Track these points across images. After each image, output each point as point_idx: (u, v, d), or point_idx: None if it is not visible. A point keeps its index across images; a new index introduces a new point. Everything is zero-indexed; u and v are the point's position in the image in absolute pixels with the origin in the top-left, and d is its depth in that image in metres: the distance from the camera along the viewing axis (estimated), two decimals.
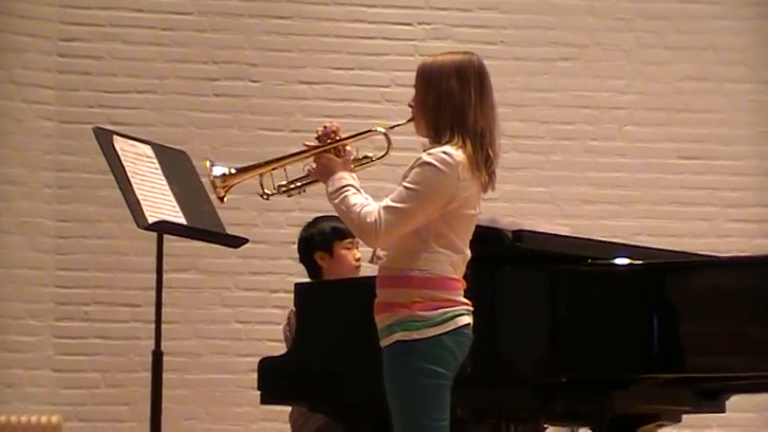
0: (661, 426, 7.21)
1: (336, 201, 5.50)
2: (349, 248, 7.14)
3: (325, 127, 5.66)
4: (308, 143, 5.65)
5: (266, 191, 5.76)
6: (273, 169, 5.79)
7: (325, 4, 9.81)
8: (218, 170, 5.80)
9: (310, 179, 5.73)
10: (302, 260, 7.43)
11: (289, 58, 9.71)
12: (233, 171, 5.80)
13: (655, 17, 10.08)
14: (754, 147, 10.01)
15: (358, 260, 7.05)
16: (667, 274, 6.60)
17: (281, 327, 7.22)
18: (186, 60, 9.66)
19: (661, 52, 10.03)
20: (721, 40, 10.11)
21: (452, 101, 5.48)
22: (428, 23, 9.49)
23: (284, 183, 5.77)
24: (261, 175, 5.80)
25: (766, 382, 6.92)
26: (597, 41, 10.00)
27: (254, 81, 9.67)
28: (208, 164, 5.85)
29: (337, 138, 5.65)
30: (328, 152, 5.65)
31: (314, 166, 5.67)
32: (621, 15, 10.04)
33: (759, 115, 10.08)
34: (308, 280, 7.31)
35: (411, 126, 5.54)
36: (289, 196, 5.87)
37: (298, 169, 5.66)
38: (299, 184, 5.77)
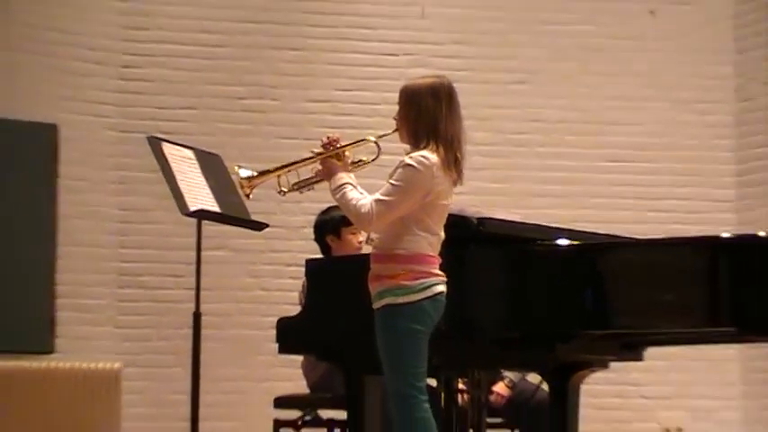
0: (593, 371, 7.17)
1: (338, 196, 5.59)
2: (354, 233, 7.25)
3: (327, 137, 5.72)
4: (314, 150, 5.70)
5: (282, 188, 5.84)
6: (288, 171, 5.85)
7: (329, 38, 9.83)
8: (245, 173, 5.88)
9: (317, 179, 5.80)
10: (316, 240, 7.49)
11: (300, 82, 9.73)
12: (255, 174, 5.87)
13: (588, 50, 10.04)
14: (666, 152, 10.03)
15: (360, 243, 7.12)
16: (597, 252, 6.60)
17: (295, 293, 7.17)
18: (220, 83, 9.68)
19: (594, 77, 10.02)
20: (640, 68, 10.10)
21: (428, 115, 5.54)
22: (411, 54, 9.52)
23: (296, 181, 5.85)
24: (278, 176, 5.86)
25: (674, 336, 6.89)
26: (544, 69, 9.99)
27: (273, 99, 9.69)
28: (237, 168, 5.95)
29: (338, 145, 5.69)
30: (331, 157, 5.70)
31: (320, 168, 5.73)
32: (563, 48, 9.99)
33: (669, 127, 10.09)
34: (316, 256, 7.29)
35: (396, 135, 5.58)
36: (300, 192, 5.93)
37: (307, 170, 5.74)
38: (308, 182, 5.84)
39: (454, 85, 5.59)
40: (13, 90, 8.98)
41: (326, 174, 5.66)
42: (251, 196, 5.95)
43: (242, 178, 5.90)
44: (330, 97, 9.59)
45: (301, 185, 5.85)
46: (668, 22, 10.15)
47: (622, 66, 10.06)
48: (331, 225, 7.27)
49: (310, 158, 5.74)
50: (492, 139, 9.40)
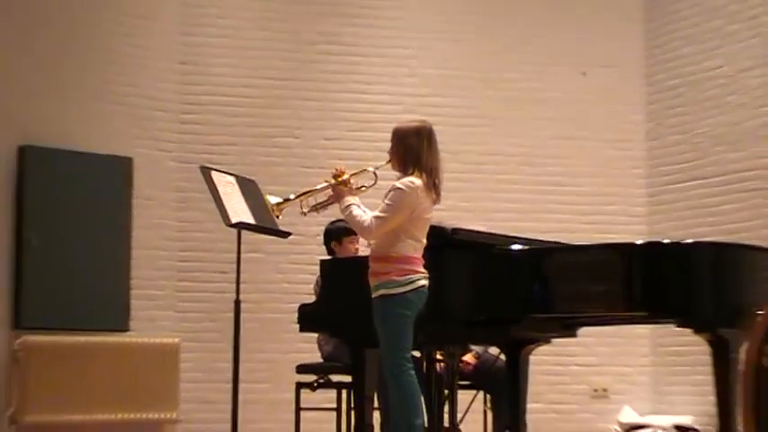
0: (539, 345, 7.14)
1: (346, 214, 5.69)
2: (351, 242, 7.28)
3: (336, 169, 5.78)
4: (327, 180, 5.75)
5: (304, 210, 5.90)
6: (307, 197, 5.89)
7: (340, 92, 9.83)
8: (274, 200, 5.95)
9: (330, 202, 5.86)
10: (325, 245, 7.46)
11: (317, 125, 9.73)
12: (282, 200, 5.92)
13: (535, 101, 10.08)
14: (594, 179, 10.06)
15: (356, 249, 7.11)
16: (541, 255, 6.60)
17: (311, 286, 7.14)
18: (255, 126, 9.66)
19: (539, 122, 10.06)
20: (575, 115, 10.13)
21: (413, 150, 5.61)
22: (401, 104, 9.54)
23: (314, 204, 5.89)
24: (300, 201, 5.91)
25: (600, 318, 6.87)
26: (502, 116, 10.03)
27: (296, 138, 9.69)
28: (268, 196, 6.04)
29: (345, 175, 5.72)
30: (339, 184, 5.74)
31: (331, 194, 5.78)
32: (516, 100, 10.02)
33: (596, 159, 10.09)
34: (327, 257, 7.28)
35: (389, 166, 5.66)
36: (317, 212, 5.97)
37: (322, 195, 5.83)
38: (323, 204, 5.90)
39: (434, 127, 5.68)
40: (100, 132, 8.96)
41: (337, 198, 5.72)
42: (279, 217, 6.03)
43: (272, 204, 5.96)
44: (340, 136, 9.58)
45: (318, 207, 5.90)
46: (596, 81, 10.17)
47: (561, 113, 10.08)
48: (334, 234, 7.30)
49: (324, 187, 5.80)
50: (462, 169, 9.38)
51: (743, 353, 3.82)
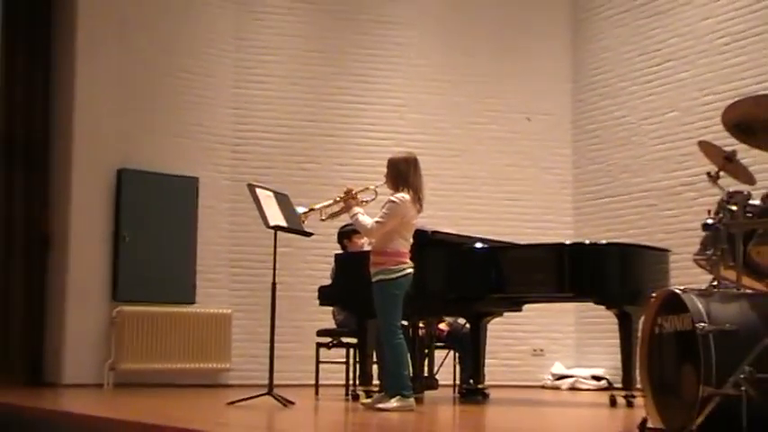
0: (495, 317, 7.16)
1: (353, 219, 5.75)
2: (359, 239, 7.18)
3: (347, 187, 5.87)
4: (340, 195, 5.82)
5: (322, 217, 5.99)
6: (326, 208, 5.94)
7: (350, 130, 9.79)
8: (301, 209, 6.05)
9: (342, 212, 5.91)
10: (338, 242, 7.43)
11: (334, 154, 9.71)
12: (306, 210, 6.03)
13: (495, 138, 10.06)
14: (536, 196, 10.01)
15: (362, 244, 7.03)
16: (498, 251, 6.62)
17: (328, 272, 7.13)
18: (288, 155, 9.61)
19: (497, 154, 10.04)
20: (523, 149, 10.11)
21: (402, 174, 5.68)
22: (393, 140, 9.46)
23: (331, 213, 5.95)
24: (321, 211, 5.97)
25: (539, 298, 6.89)
26: (469, 149, 10.02)
27: (317, 164, 9.65)
28: (297, 208, 6.14)
29: (353, 192, 5.78)
30: (349, 198, 5.82)
31: (343, 206, 5.80)
32: (480, 138, 10.02)
33: (537, 182, 10.05)
34: (339, 251, 7.25)
35: (385, 185, 5.69)
36: (332, 219, 6.04)
37: (336, 207, 5.85)
38: (337, 214, 5.94)
39: (418, 157, 5.69)
40: (175, 158, 8.97)
41: (347, 209, 5.74)
42: (305, 222, 6.06)
43: (300, 213, 6.04)
44: (349, 162, 9.53)
45: (333, 216, 5.96)
46: (537, 124, 10.14)
47: (512, 148, 10.06)
48: (346, 234, 7.29)
49: (338, 201, 5.84)
50: (440, 187, 9.33)
51: (641, 324, 3.82)
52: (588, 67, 10.07)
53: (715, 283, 3.63)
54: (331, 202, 5.90)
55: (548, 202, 10.02)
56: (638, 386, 4.03)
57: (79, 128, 8.55)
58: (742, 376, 3.19)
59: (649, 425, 3.62)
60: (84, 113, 8.58)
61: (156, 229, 8.72)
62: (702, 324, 3.30)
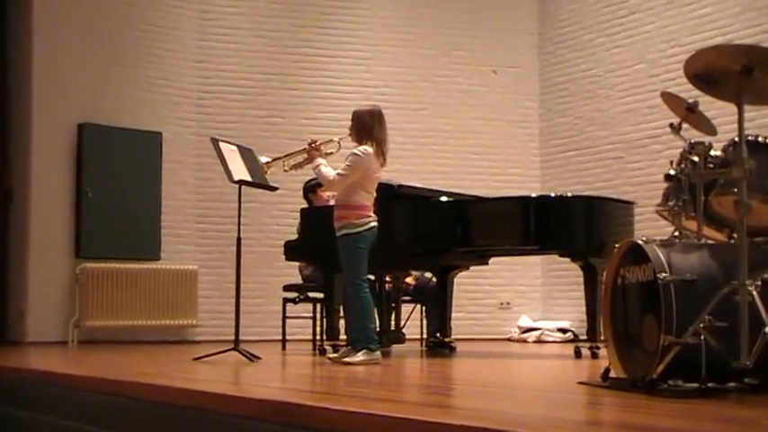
0: (461, 270, 7.21)
1: (316, 171, 5.73)
2: (324, 192, 7.14)
3: (311, 138, 5.84)
4: (304, 147, 5.80)
5: (285, 168, 5.97)
6: (288, 158, 5.95)
7: (315, 83, 9.74)
8: (264, 159, 6.03)
9: (305, 162, 5.86)
10: (304, 197, 7.40)
11: (299, 108, 9.66)
12: (270, 160, 6.00)
13: (461, 91, 10.07)
14: (502, 149, 10.05)
15: (328, 197, 7.01)
16: (464, 204, 6.65)
17: (294, 227, 7.12)
18: (253, 108, 9.57)
19: (463, 107, 10.06)
20: (489, 102, 10.14)
21: (367, 126, 5.65)
22: (360, 93, 9.41)
23: (294, 164, 5.92)
24: (283, 161, 5.96)
25: (505, 250, 6.93)
26: (435, 102, 10.04)
27: (282, 118, 9.61)
28: (260, 157, 6.08)
29: (317, 143, 5.76)
30: (313, 150, 5.79)
31: (306, 156, 5.79)
32: (446, 90, 9.99)
33: (503, 135, 10.08)
34: (305, 206, 7.24)
35: (349, 138, 5.65)
36: (296, 170, 5.99)
37: (299, 158, 5.78)
38: (300, 164, 5.90)
39: (384, 110, 5.67)
40: (139, 113, 8.89)
41: (310, 159, 5.72)
42: (268, 173, 6.03)
43: (262, 163, 5.99)
44: (315, 116, 9.49)
45: (296, 166, 5.92)
46: (504, 77, 10.16)
47: (479, 101, 10.07)
48: (311, 188, 7.26)
49: (302, 151, 5.82)
50: (406, 141, 9.38)
51: (604, 276, 3.86)
52: (555, 20, 10.06)
53: (677, 233, 3.67)
54: (294, 152, 5.89)
55: (515, 156, 10.06)
56: (603, 338, 4.08)
57: (39, 82, 8.43)
58: (702, 325, 3.24)
59: (612, 374, 3.68)
60: (43, 67, 8.46)
61: (120, 184, 8.66)
62: (664, 274, 3.34)
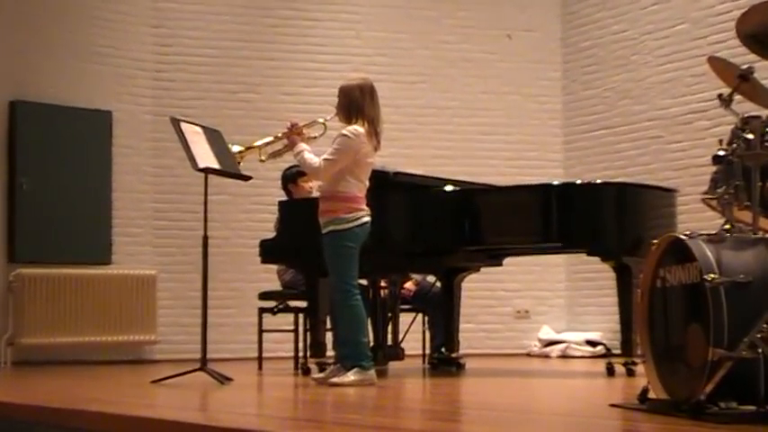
0: (470, 273, 7.23)
1: (298, 158, 5.72)
2: (305, 182, 7.21)
3: (290, 122, 5.79)
4: (284, 131, 5.77)
5: (261, 157, 5.97)
6: (266, 146, 5.95)
7: (296, 53, 9.74)
8: (236, 148, 6.04)
9: (285, 150, 5.86)
10: (283, 188, 7.43)
11: (276, 81, 9.66)
12: (243, 149, 6.02)
13: (467, 60, 10.04)
14: (518, 128, 10.06)
15: (311, 188, 7.03)
16: (472, 194, 6.70)
17: (272, 224, 7.12)
18: (221, 82, 9.56)
19: (470, 78, 10.07)
20: (501, 73, 10.14)
21: (356, 102, 5.65)
22: (348, 63, 9.40)
23: (272, 152, 5.93)
24: (259, 149, 5.96)
25: (522, 249, 6.96)
26: (437, 74, 10.06)
27: (257, 93, 9.61)
28: (231, 146, 6.09)
29: (298, 126, 5.73)
30: (294, 134, 5.75)
31: (286, 143, 5.78)
32: (450, 60, 10.01)
33: (519, 111, 10.10)
34: (284, 199, 7.27)
35: (337, 118, 5.66)
36: (274, 160, 6.04)
37: (279, 143, 5.81)
38: (279, 153, 5.94)
39: (377, 84, 5.69)
40: (83, 88, 8.87)
41: (291, 146, 5.72)
42: (241, 164, 6.07)
43: (235, 152, 6.00)
44: (295, 92, 9.49)
45: (275, 155, 5.94)
46: (519, 43, 10.16)
47: (489, 71, 10.08)
48: (291, 177, 7.28)
49: (280, 137, 5.81)
50: (402, 120, 9.40)
51: (641, 278, 3.85)
52: None
53: (727, 226, 3.66)
54: (272, 138, 5.89)
55: (532, 136, 10.05)
56: (639, 352, 4.08)
57: None
58: (759, 336, 3.24)
59: (651, 395, 3.68)
60: None
61: (62, 174, 8.65)
62: (712, 275, 3.34)
